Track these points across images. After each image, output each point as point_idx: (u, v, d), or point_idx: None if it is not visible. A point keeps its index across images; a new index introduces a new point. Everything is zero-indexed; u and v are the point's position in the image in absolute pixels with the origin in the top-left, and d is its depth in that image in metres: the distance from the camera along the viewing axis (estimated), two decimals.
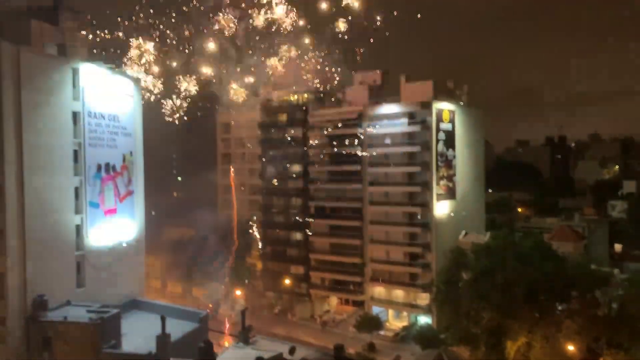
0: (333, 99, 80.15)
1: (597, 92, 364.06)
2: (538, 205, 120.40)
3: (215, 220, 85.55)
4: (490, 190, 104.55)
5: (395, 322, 71.88)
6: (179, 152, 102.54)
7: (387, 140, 74.18)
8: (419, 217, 71.07)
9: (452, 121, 73.74)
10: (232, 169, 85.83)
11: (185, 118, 45.22)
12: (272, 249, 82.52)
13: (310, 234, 78.94)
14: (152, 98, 42.52)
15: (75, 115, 43.88)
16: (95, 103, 45.79)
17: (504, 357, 48.71)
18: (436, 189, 70.49)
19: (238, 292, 76.26)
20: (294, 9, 34.50)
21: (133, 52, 38.12)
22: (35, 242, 39.54)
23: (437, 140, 70.93)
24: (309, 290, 78.35)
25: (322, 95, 78.81)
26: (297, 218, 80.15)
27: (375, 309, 72.47)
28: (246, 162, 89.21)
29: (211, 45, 36.17)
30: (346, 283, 76.20)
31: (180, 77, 40.28)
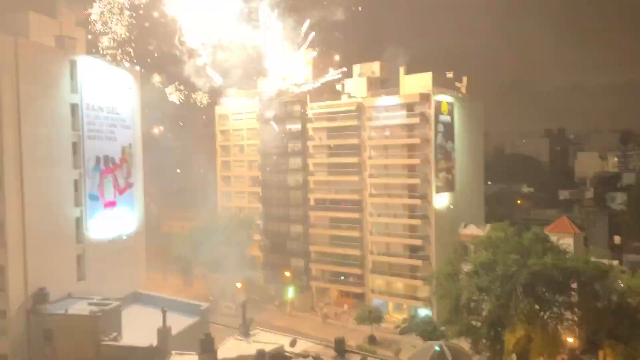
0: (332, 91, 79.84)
1: (597, 83, 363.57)
2: (537, 197, 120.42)
3: (215, 213, 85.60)
4: (489, 183, 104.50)
5: (395, 314, 71.99)
6: (178, 144, 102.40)
7: (387, 133, 74.05)
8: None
9: (451, 113, 73.54)
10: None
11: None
12: (273, 241, 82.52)
13: (310, 226, 78.94)
14: None
15: (73, 108, 43.79)
16: (94, 95, 45.65)
17: (503, 349, 48.78)
18: (435, 181, 70.41)
19: (238, 285, 76.30)
20: None
21: None
22: (35, 234, 39.56)
23: (436, 133, 70.75)
24: (309, 282, 78.47)
25: (321, 87, 78.48)
26: (297, 210, 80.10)
27: (376, 301, 72.56)
28: (245, 155, 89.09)
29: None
30: (346, 275, 76.33)
31: None
